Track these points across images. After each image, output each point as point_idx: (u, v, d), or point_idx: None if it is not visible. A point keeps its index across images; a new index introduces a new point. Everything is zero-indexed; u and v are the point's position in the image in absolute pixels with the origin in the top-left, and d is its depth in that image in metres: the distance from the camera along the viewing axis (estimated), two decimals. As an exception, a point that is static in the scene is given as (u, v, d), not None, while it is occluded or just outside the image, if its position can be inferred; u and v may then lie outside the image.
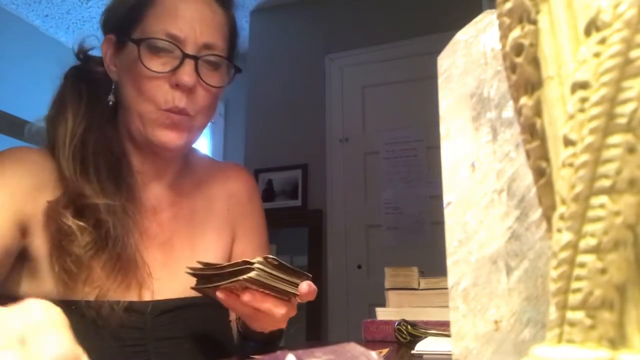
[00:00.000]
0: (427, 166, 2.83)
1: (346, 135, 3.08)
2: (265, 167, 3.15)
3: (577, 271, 0.20)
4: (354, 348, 0.42)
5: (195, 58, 0.78)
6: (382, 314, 1.09)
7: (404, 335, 0.93)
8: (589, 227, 0.20)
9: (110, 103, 0.83)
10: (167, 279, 0.82)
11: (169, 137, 0.79)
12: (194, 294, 0.77)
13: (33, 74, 3.33)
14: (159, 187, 0.88)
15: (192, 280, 0.74)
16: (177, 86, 0.78)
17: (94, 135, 0.79)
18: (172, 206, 0.89)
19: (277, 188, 3.17)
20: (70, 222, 0.73)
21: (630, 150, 0.19)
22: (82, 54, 0.87)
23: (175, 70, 0.77)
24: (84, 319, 0.72)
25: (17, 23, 3.48)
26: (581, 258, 0.20)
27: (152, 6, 0.79)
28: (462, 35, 0.41)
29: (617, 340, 0.19)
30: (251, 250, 0.94)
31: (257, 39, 3.44)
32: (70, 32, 3.68)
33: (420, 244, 2.75)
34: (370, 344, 0.96)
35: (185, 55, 0.77)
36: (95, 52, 0.88)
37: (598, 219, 0.19)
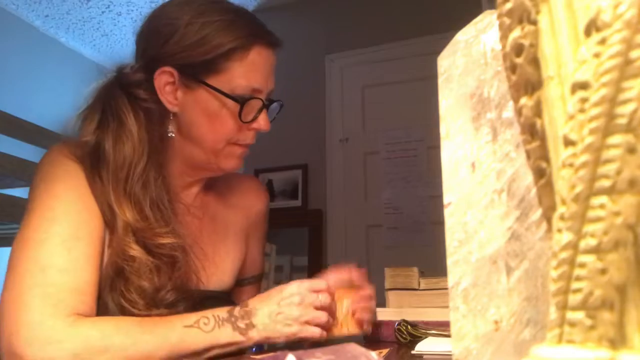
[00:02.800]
0: (427, 166, 2.83)
1: (346, 135, 3.08)
2: (265, 167, 3.15)
3: (577, 271, 0.20)
4: (354, 348, 0.42)
5: (267, 106, 0.88)
6: (382, 314, 1.09)
7: (404, 336, 0.93)
8: (589, 227, 0.20)
9: (171, 135, 0.86)
10: (207, 273, 0.90)
11: (236, 165, 0.90)
12: (214, 287, 0.88)
13: (33, 74, 3.33)
14: (191, 193, 0.94)
15: (214, 279, 0.86)
16: (253, 129, 0.88)
17: (154, 171, 0.82)
18: (200, 209, 0.95)
19: (277, 188, 3.17)
20: (137, 252, 0.76)
21: (630, 150, 0.19)
22: (126, 78, 0.86)
23: (255, 117, 0.86)
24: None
25: (17, 23, 3.48)
26: (581, 258, 0.20)
27: (235, 61, 0.83)
28: (462, 35, 0.41)
29: (617, 341, 0.19)
30: (258, 255, 1.07)
31: (257, 39, 3.44)
32: (70, 32, 3.68)
33: (420, 244, 2.74)
34: (370, 344, 0.96)
35: (264, 105, 0.87)
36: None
37: (598, 219, 0.19)
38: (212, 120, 0.84)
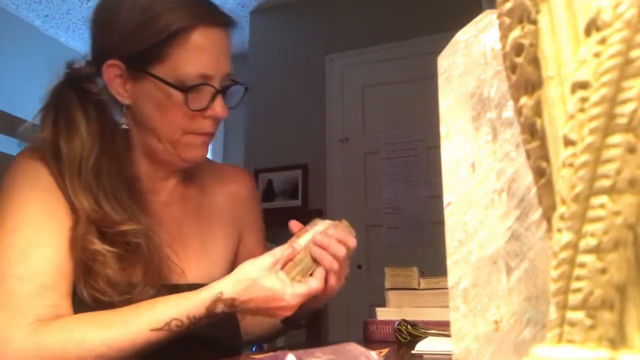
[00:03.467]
0: (427, 166, 2.83)
1: (346, 135, 3.08)
2: (265, 167, 3.15)
3: (577, 271, 0.20)
4: (354, 348, 0.42)
5: (223, 91, 0.84)
6: (382, 314, 1.09)
7: (404, 335, 0.93)
8: (589, 227, 0.20)
9: (124, 127, 0.84)
10: (193, 266, 0.88)
11: (198, 156, 0.86)
12: (204, 281, 0.84)
13: (33, 74, 3.33)
14: (168, 185, 0.92)
15: (202, 270, 0.83)
16: (209, 117, 0.83)
17: (107, 162, 0.80)
18: (180, 200, 0.93)
19: (277, 188, 3.17)
20: (99, 246, 0.75)
21: (630, 150, 0.19)
22: (76, 73, 0.86)
23: (209, 105, 0.82)
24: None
25: (17, 23, 3.48)
26: (581, 258, 0.20)
27: (177, 47, 0.80)
28: (462, 35, 0.41)
29: (617, 340, 0.19)
30: (257, 245, 1.02)
31: (257, 39, 3.44)
32: (70, 32, 3.68)
33: (420, 244, 2.75)
34: (370, 344, 0.96)
35: (217, 92, 0.83)
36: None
37: (598, 219, 0.19)
38: (162, 111, 0.82)
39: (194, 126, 0.83)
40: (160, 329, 0.71)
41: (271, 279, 0.75)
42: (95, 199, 0.77)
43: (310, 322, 0.96)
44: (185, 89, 0.80)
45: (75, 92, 0.83)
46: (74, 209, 0.77)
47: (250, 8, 3.44)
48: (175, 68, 0.80)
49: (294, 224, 0.87)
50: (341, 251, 0.86)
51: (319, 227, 0.86)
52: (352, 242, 0.89)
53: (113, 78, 0.83)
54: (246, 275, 0.76)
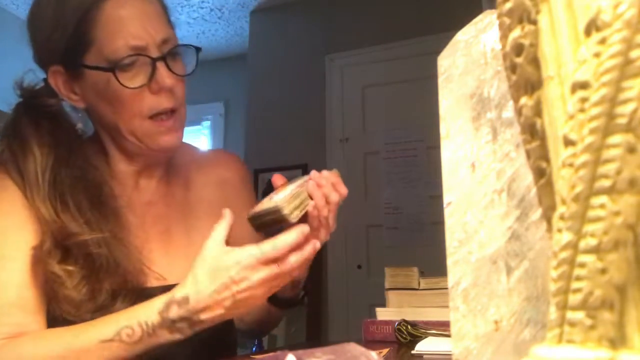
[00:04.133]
0: (427, 166, 2.83)
1: (346, 135, 3.08)
2: (265, 167, 3.15)
3: (577, 271, 0.20)
4: (354, 348, 0.42)
5: (162, 58, 0.78)
6: (382, 314, 1.09)
7: (404, 335, 0.93)
8: (589, 227, 0.20)
9: (80, 131, 0.82)
10: (167, 267, 0.83)
11: (169, 142, 0.81)
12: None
13: (33, 74, 3.32)
14: (151, 182, 0.89)
15: (189, 268, 0.76)
16: (159, 91, 0.78)
17: (65, 169, 0.77)
18: (165, 197, 0.89)
19: (277, 188, 3.16)
20: (57, 269, 0.71)
21: (630, 150, 0.19)
22: (28, 92, 0.84)
23: (152, 78, 0.77)
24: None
25: (17, 23, 3.48)
26: (581, 258, 0.20)
27: (96, 27, 0.76)
28: (462, 35, 0.41)
29: (617, 340, 0.19)
30: (248, 230, 0.94)
31: (257, 39, 3.44)
32: (70, 32, 3.68)
33: (420, 244, 2.75)
34: (370, 344, 0.96)
35: (155, 60, 0.77)
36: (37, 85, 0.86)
37: (598, 219, 0.19)
38: (110, 102, 0.78)
39: (147, 107, 0.78)
40: (111, 340, 0.66)
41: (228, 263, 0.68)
42: (55, 210, 0.74)
43: (304, 294, 0.88)
44: (115, 67, 0.75)
45: (27, 110, 0.81)
46: (39, 222, 0.74)
47: (250, 8, 3.44)
48: (102, 49, 0.76)
49: (277, 178, 0.81)
50: (334, 196, 0.80)
51: (302, 180, 0.79)
52: (344, 190, 0.84)
53: (59, 84, 0.81)
54: (195, 269, 0.70)
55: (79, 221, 0.74)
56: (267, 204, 0.74)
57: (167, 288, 0.76)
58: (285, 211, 0.72)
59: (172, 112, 0.80)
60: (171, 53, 0.80)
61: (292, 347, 0.75)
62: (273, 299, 0.84)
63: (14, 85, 0.85)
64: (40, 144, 0.77)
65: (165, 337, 0.68)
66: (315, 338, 2.83)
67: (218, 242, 0.71)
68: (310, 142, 3.13)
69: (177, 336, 0.68)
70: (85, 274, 0.72)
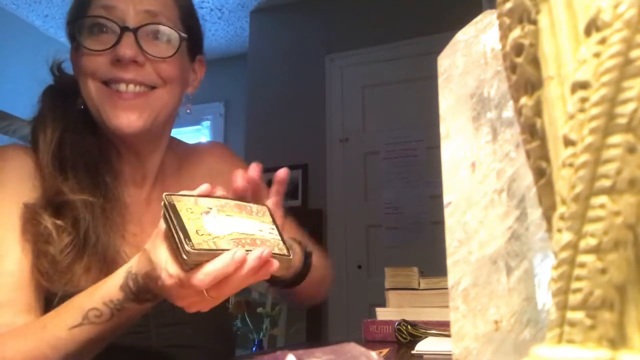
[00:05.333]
0: (427, 166, 2.83)
1: (346, 135, 3.08)
2: (265, 167, 3.14)
3: (577, 271, 0.20)
4: (354, 348, 0.42)
5: (133, 30, 0.74)
6: (382, 314, 1.09)
7: (404, 335, 0.93)
8: (589, 227, 0.20)
9: (80, 106, 0.82)
10: None
11: (128, 119, 0.75)
12: None
13: (33, 74, 3.32)
14: (141, 192, 0.86)
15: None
16: (118, 61, 0.74)
17: (70, 137, 0.78)
18: (154, 206, 0.85)
19: (277, 188, 3.17)
20: (48, 222, 0.71)
21: (630, 150, 0.19)
22: (57, 67, 0.86)
23: (114, 46, 0.74)
24: None
25: (17, 23, 3.48)
26: (581, 258, 0.20)
27: None
28: (462, 35, 0.41)
29: (617, 341, 0.19)
30: None
31: (257, 39, 3.44)
32: (70, 32, 3.68)
33: (420, 244, 2.75)
34: (370, 344, 0.96)
35: (124, 29, 0.74)
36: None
37: (598, 219, 0.19)
38: (79, 66, 0.77)
39: (102, 71, 0.75)
40: (80, 325, 0.62)
41: (158, 250, 0.58)
42: (53, 168, 0.75)
43: (298, 278, 0.77)
44: (76, 20, 0.76)
45: (50, 92, 0.84)
46: (41, 182, 0.75)
47: (250, 8, 3.44)
48: (84, 12, 0.77)
49: (283, 172, 0.75)
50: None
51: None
52: (282, 172, 0.74)
53: (72, 59, 0.82)
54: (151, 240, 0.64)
55: (71, 182, 0.74)
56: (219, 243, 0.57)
57: None
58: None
59: (140, 91, 0.76)
60: (153, 31, 0.77)
61: (292, 347, 0.75)
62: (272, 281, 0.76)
63: (51, 63, 0.86)
64: (54, 122, 0.79)
65: (136, 308, 0.63)
66: (315, 338, 2.83)
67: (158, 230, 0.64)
68: (310, 142, 3.13)
69: (149, 304, 0.64)
70: (72, 239, 0.71)
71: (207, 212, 0.59)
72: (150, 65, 0.76)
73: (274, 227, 0.64)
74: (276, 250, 0.59)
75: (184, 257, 0.55)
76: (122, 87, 0.75)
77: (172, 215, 0.57)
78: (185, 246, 0.55)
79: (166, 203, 0.58)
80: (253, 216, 0.63)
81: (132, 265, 0.62)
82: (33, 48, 3.50)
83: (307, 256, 0.77)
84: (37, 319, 0.68)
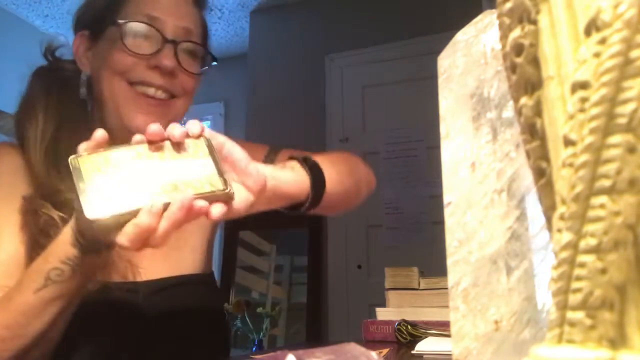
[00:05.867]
0: (427, 166, 2.83)
1: (346, 135, 3.08)
2: (265, 167, 3.15)
3: (577, 271, 0.20)
4: (354, 348, 0.42)
5: (174, 43, 0.79)
6: (382, 314, 1.09)
7: (404, 335, 0.93)
8: (589, 227, 0.20)
9: (82, 96, 0.82)
10: (155, 260, 0.81)
11: (146, 122, 0.69)
12: (184, 271, 0.80)
13: (33, 74, 3.32)
14: None
15: (181, 259, 0.76)
16: (156, 67, 0.78)
17: (66, 135, 0.76)
18: None
19: (277, 188, 3.16)
20: (54, 213, 0.70)
21: (630, 150, 0.19)
22: (50, 53, 0.86)
23: (155, 54, 0.78)
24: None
25: (17, 23, 3.48)
26: (581, 258, 0.20)
27: None
28: (462, 35, 0.41)
29: (617, 341, 0.19)
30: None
31: (257, 39, 3.44)
32: (71, 32, 3.68)
33: (420, 244, 2.74)
34: (370, 344, 0.96)
35: (166, 40, 0.78)
36: (63, 52, 0.88)
37: (598, 219, 0.19)
38: (111, 61, 0.78)
39: (137, 74, 0.77)
40: (44, 286, 0.62)
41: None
42: (48, 169, 0.74)
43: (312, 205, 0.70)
44: (122, 23, 0.77)
45: (42, 76, 0.83)
46: (33, 183, 0.75)
47: (250, 8, 3.43)
48: (125, 16, 0.79)
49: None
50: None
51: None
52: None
53: (78, 48, 0.83)
54: None
55: (68, 182, 0.71)
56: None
57: (147, 284, 0.76)
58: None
59: (164, 97, 0.79)
60: (187, 48, 0.81)
61: (292, 347, 0.75)
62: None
63: (44, 48, 0.86)
64: (46, 110, 0.79)
65: (97, 260, 0.63)
66: (315, 338, 2.83)
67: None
68: (310, 142, 3.13)
69: (106, 252, 0.63)
70: (62, 219, 0.70)
71: (118, 166, 0.55)
72: (180, 77, 0.80)
73: (208, 160, 0.58)
74: (207, 189, 0.54)
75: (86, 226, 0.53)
76: (151, 91, 0.78)
77: (75, 179, 0.53)
78: (86, 215, 0.51)
79: (71, 167, 0.54)
80: (183, 154, 0.57)
81: (72, 224, 0.61)
82: (33, 48, 3.50)
83: (313, 168, 0.71)
84: (4, 294, 0.66)
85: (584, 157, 0.20)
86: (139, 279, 0.79)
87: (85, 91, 0.82)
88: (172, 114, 0.81)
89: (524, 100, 0.25)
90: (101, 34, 0.81)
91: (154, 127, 0.57)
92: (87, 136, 0.72)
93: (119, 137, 0.76)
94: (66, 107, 0.80)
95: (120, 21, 0.78)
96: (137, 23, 0.78)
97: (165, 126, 0.71)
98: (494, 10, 0.33)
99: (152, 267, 0.81)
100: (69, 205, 0.71)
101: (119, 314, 0.76)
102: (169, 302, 0.80)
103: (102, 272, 0.73)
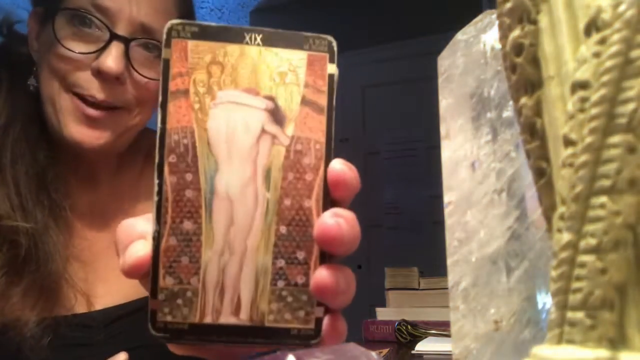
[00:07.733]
0: (427, 166, 2.83)
1: (346, 135, 3.08)
2: (265, 167, 3.15)
3: (577, 271, 0.20)
4: (354, 348, 0.42)
5: (126, 40, 0.62)
6: (382, 314, 1.09)
7: (404, 335, 0.93)
8: (589, 227, 0.20)
9: (31, 88, 0.67)
10: (111, 283, 0.70)
11: (85, 135, 0.63)
12: (143, 294, 0.70)
13: (33, 74, 3.32)
14: (89, 199, 0.73)
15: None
16: (98, 74, 0.61)
17: (12, 137, 0.64)
18: (110, 211, 0.74)
19: (277, 188, 3.17)
20: None
21: (631, 150, 0.19)
22: (6, 27, 0.70)
23: (99, 52, 0.61)
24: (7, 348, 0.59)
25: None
26: (581, 258, 0.20)
27: None
28: (462, 35, 0.41)
29: (618, 341, 0.19)
30: None
31: (257, 39, 3.44)
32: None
33: (420, 244, 2.75)
34: (370, 344, 0.96)
35: (114, 36, 0.61)
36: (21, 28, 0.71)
37: (598, 219, 0.19)
38: (51, 59, 0.62)
39: (73, 79, 0.62)
40: None
41: None
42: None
43: None
44: (61, 9, 0.61)
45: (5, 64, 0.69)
46: None
47: (250, 8, 3.44)
48: (73, 0, 0.62)
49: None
50: None
51: None
52: None
53: (32, 29, 0.68)
54: None
55: (13, 201, 0.61)
56: None
57: (104, 312, 0.66)
58: None
59: (107, 107, 0.63)
60: (145, 45, 0.64)
61: (292, 347, 0.75)
62: None
63: (2, 20, 0.70)
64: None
65: None
66: (315, 338, 2.83)
67: None
68: (310, 142, 3.13)
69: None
70: (7, 262, 0.60)
71: None
72: (131, 84, 0.64)
73: None
74: None
75: None
76: (90, 98, 0.63)
77: None
78: None
79: None
80: None
81: None
82: None
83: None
84: None
85: (584, 157, 0.20)
86: (92, 309, 0.67)
87: (34, 82, 0.67)
88: (122, 127, 0.66)
89: (523, 100, 0.25)
90: (51, 18, 0.63)
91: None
92: (37, 141, 0.65)
93: (60, 144, 0.67)
94: (16, 99, 0.66)
95: (61, 7, 0.62)
96: (77, 12, 0.61)
97: (115, 141, 0.65)
98: (494, 10, 0.33)
99: (109, 292, 0.69)
100: (5, 231, 0.61)
101: (72, 351, 0.63)
102: (131, 331, 0.66)
103: (44, 306, 0.62)
